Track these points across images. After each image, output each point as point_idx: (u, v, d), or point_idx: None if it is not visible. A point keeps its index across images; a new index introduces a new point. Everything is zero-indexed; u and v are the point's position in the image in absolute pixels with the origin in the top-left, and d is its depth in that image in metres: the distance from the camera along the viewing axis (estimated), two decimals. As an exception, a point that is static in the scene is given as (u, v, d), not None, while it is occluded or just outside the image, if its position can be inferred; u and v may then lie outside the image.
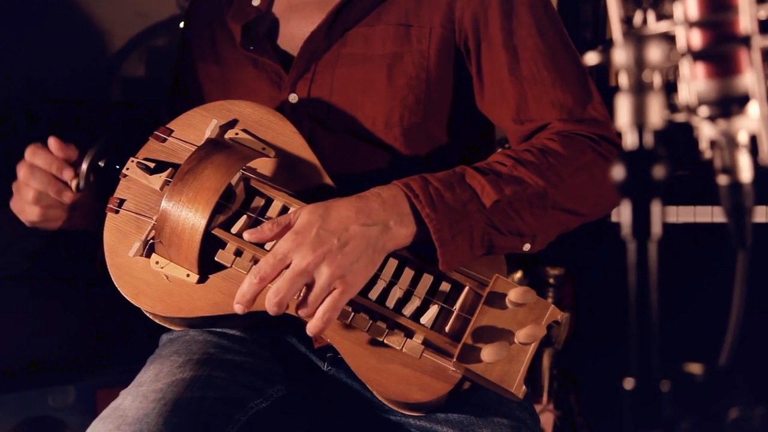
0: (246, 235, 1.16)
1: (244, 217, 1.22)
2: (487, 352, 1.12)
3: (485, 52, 1.32)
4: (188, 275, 1.20)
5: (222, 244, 1.21)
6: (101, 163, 1.29)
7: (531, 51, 1.29)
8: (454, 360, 1.13)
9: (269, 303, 1.10)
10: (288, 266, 1.10)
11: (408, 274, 1.20)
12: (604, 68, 2.13)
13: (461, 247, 1.16)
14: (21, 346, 1.91)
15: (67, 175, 1.27)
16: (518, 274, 2.22)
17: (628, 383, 0.61)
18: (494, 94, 1.32)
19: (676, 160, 0.62)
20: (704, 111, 0.64)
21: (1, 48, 1.94)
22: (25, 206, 1.28)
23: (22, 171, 1.27)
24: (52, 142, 1.28)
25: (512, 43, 1.29)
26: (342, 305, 1.12)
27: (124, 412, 1.11)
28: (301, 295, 1.11)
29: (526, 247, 1.22)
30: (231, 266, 1.20)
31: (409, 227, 1.15)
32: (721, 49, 0.64)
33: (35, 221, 1.30)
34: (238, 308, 1.12)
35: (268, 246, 1.19)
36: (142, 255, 1.22)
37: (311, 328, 1.12)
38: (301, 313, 1.11)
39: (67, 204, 1.29)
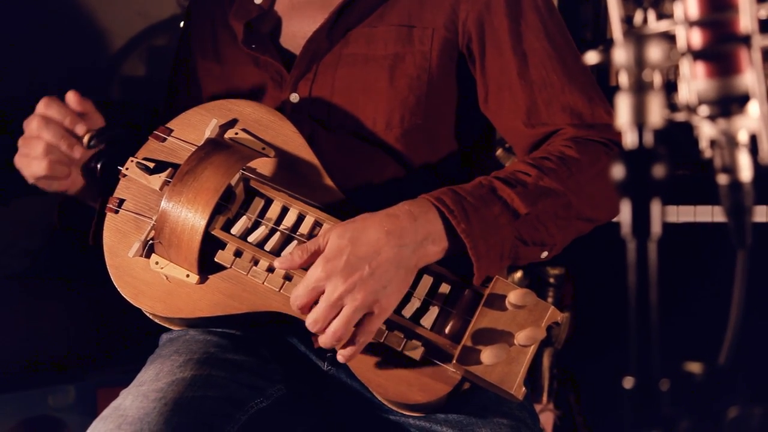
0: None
1: (244, 217, 1.22)
2: (487, 354, 1.12)
3: (491, 56, 1.31)
4: (188, 276, 1.20)
5: (222, 245, 1.21)
6: (99, 165, 1.29)
7: (539, 55, 1.29)
8: (454, 361, 1.13)
9: (311, 329, 1.12)
10: (322, 293, 1.10)
11: None
12: (605, 68, 2.13)
13: (493, 261, 1.16)
14: (21, 346, 1.91)
15: (81, 129, 1.26)
16: (518, 274, 2.22)
17: (628, 382, 0.61)
18: (502, 98, 1.31)
19: (676, 159, 0.62)
20: (704, 110, 0.64)
21: (2, 47, 1.94)
22: (32, 160, 1.25)
23: (34, 122, 1.25)
24: (71, 95, 1.27)
25: (521, 46, 1.29)
26: (376, 328, 1.12)
27: (125, 411, 1.11)
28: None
29: (544, 255, 1.22)
30: (231, 267, 1.20)
31: (440, 244, 1.15)
32: (721, 48, 0.64)
33: (40, 175, 1.26)
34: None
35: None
36: (141, 255, 1.22)
37: (345, 352, 1.13)
38: (332, 337, 1.11)
39: (76, 161, 1.28)
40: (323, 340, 1.11)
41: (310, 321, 1.11)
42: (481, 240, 1.14)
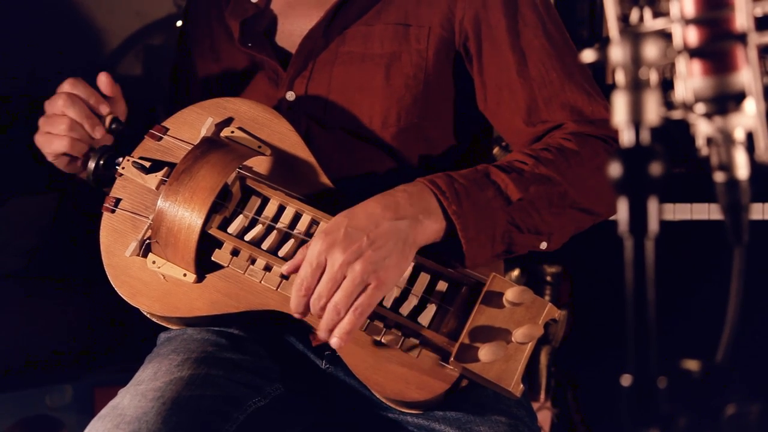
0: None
1: (241, 216, 1.22)
2: (485, 352, 1.12)
3: (489, 54, 1.31)
4: (185, 275, 1.20)
5: (219, 244, 1.21)
6: (101, 161, 1.28)
7: (538, 52, 1.29)
8: (452, 359, 1.13)
9: (314, 309, 1.11)
10: (325, 269, 1.10)
11: (406, 272, 1.19)
12: (601, 66, 2.13)
13: (484, 245, 1.16)
14: (18, 345, 1.91)
15: (104, 109, 1.28)
16: (516, 272, 2.22)
17: (626, 380, 0.61)
18: (501, 96, 1.32)
19: (673, 157, 0.62)
20: (701, 108, 0.64)
21: (-1, 46, 1.94)
22: (54, 138, 1.26)
23: (59, 100, 1.26)
24: (103, 77, 1.29)
25: (519, 44, 1.29)
26: (376, 302, 1.11)
27: (123, 410, 1.11)
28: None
29: (543, 245, 1.22)
30: (228, 266, 1.20)
31: (437, 222, 1.15)
32: (717, 46, 0.64)
33: (60, 152, 1.27)
34: (299, 315, 1.14)
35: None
36: (138, 255, 1.22)
37: (344, 324, 1.11)
38: (333, 311, 1.10)
39: (95, 141, 1.28)
40: (325, 316, 1.10)
41: (314, 297, 1.10)
42: (471, 222, 1.14)
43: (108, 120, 1.28)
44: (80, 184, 1.38)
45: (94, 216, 1.29)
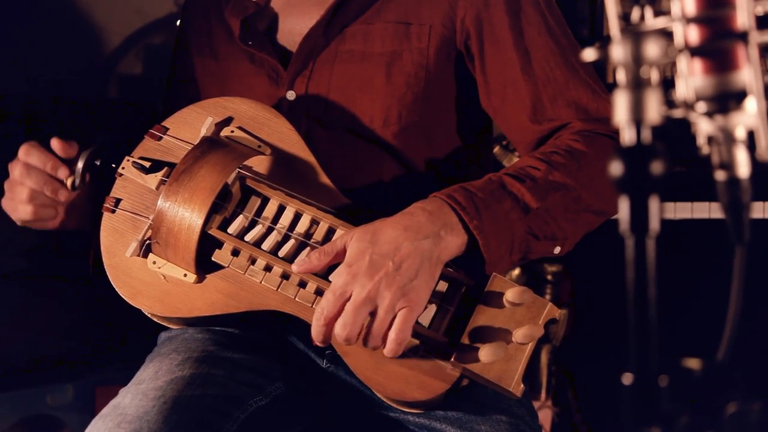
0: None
1: (241, 216, 1.22)
2: (485, 352, 1.11)
3: (492, 53, 1.31)
4: (185, 275, 1.20)
5: (219, 244, 1.21)
6: (97, 162, 1.28)
7: (542, 50, 1.29)
8: (452, 359, 1.13)
9: (338, 338, 1.09)
10: (349, 299, 1.09)
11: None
12: (602, 65, 2.13)
13: (504, 257, 1.17)
14: (19, 345, 1.91)
15: (63, 173, 1.26)
16: (516, 271, 2.22)
17: (627, 379, 0.61)
18: (505, 94, 1.31)
19: (674, 155, 0.62)
20: (702, 107, 0.65)
21: (-1, 46, 1.94)
22: (18, 205, 1.27)
23: (16, 169, 1.26)
24: (55, 142, 1.26)
25: (523, 42, 1.29)
26: (411, 324, 1.10)
27: (124, 410, 1.11)
28: (366, 324, 1.10)
29: (557, 250, 1.22)
30: (228, 266, 1.20)
31: (459, 236, 1.14)
32: (718, 45, 0.64)
33: (27, 220, 1.28)
34: (319, 344, 1.12)
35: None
36: (138, 255, 1.22)
37: (387, 352, 1.11)
38: (371, 342, 1.10)
39: (62, 203, 1.28)
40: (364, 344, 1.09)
41: (339, 325, 1.09)
42: (492, 236, 1.14)
43: (69, 182, 1.26)
44: (61, 239, 1.39)
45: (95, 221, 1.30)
